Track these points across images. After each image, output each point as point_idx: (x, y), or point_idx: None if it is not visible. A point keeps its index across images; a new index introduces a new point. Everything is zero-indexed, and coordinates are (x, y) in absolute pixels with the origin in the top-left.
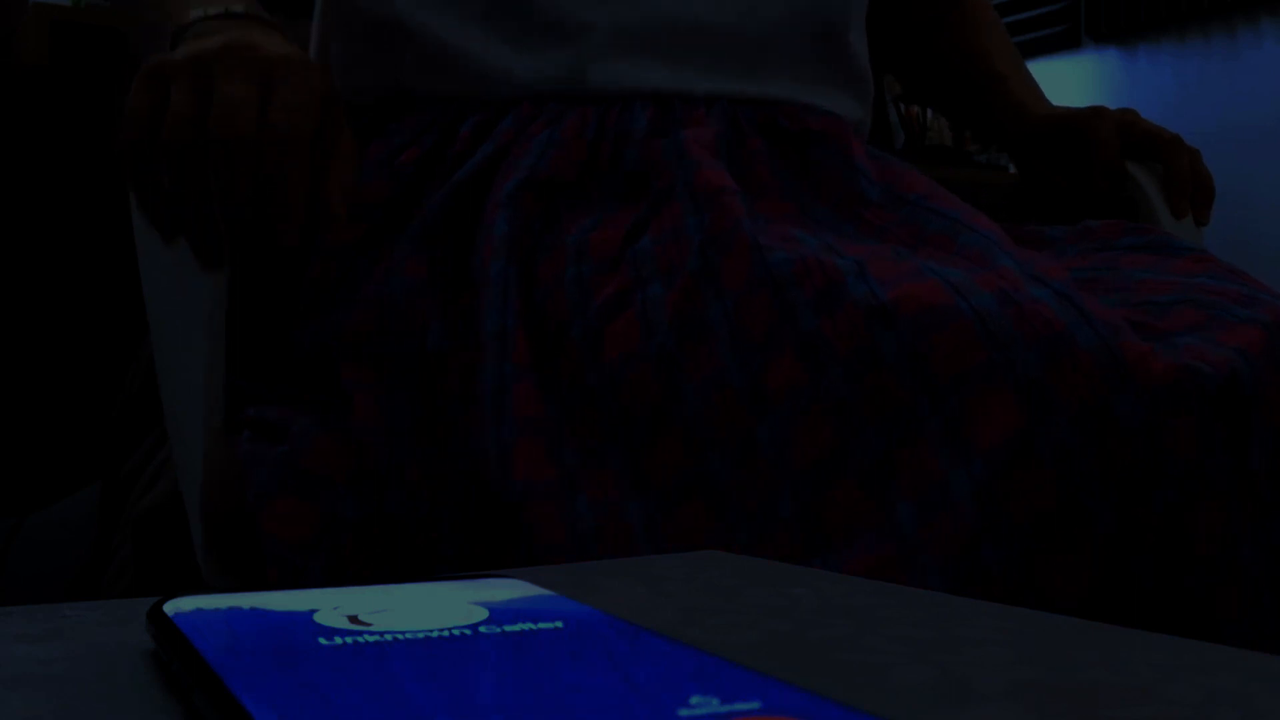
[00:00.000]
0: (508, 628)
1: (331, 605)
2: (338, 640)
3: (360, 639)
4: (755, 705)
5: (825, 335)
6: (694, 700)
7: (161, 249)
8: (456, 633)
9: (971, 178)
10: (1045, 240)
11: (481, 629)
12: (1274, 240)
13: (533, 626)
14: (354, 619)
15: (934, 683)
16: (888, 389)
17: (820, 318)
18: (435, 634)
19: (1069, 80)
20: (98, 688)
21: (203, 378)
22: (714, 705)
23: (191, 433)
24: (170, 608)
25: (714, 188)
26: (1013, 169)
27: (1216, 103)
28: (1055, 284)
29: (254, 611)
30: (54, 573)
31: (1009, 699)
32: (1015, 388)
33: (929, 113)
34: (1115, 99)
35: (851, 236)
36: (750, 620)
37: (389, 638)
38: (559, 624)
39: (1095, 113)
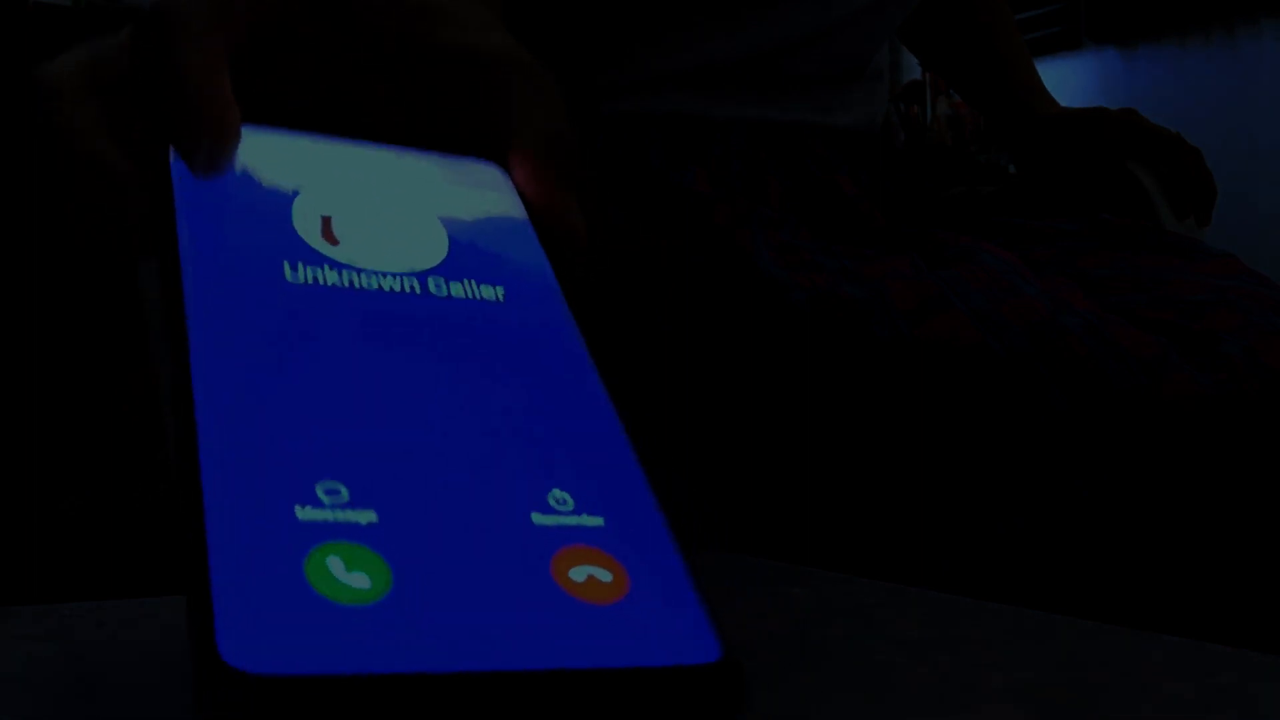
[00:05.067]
0: (453, 287)
1: (317, 182)
2: (301, 277)
3: (321, 275)
4: (599, 522)
5: (852, 380)
6: (552, 498)
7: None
8: (406, 286)
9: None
10: (1059, 233)
11: (430, 285)
12: (1275, 241)
13: (475, 290)
14: (327, 225)
15: (934, 683)
16: (920, 435)
17: (845, 361)
18: (387, 285)
19: (1069, 80)
20: (98, 688)
21: None
22: (566, 511)
23: None
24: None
25: (721, 229)
26: (1013, 169)
27: (1216, 103)
28: (1084, 314)
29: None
30: None
31: (1009, 699)
32: (1052, 434)
33: (929, 113)
34: (1115, 99)
35: (862, 241)
36: (750, 620)
37: (346, 280)
38: (500, 292)
39: (1097, 113)
